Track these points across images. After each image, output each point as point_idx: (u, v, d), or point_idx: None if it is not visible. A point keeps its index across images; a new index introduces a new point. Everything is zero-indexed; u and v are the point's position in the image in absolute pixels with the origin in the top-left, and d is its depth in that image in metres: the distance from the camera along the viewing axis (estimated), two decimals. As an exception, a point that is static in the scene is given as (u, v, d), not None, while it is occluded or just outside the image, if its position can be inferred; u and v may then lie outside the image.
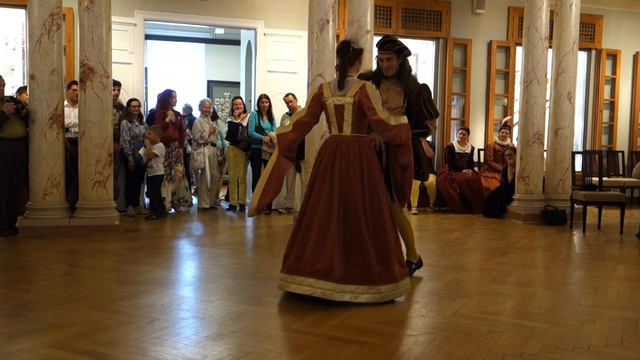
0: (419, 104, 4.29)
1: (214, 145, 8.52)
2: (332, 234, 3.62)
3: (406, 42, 10.86)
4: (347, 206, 3.69)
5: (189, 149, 8.59)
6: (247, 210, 8.41)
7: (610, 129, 10.58)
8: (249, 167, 8.42)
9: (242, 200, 8.57)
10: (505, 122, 9.60)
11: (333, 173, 3.74)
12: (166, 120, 7.73)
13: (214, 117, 8.68)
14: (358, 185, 3.71)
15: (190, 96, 12.80)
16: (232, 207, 8.58)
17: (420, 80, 4.68)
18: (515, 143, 9.04)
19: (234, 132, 8.28)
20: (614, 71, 10.48)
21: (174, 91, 8.17)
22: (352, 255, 3.64)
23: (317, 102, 3.93)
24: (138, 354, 2.81)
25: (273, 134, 8.04)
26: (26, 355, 2.77)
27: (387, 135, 3.84)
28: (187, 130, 8.63)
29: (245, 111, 8.56)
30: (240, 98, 8.84)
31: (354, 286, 3.60)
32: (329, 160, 3.77)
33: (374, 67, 4.70)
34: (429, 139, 7.61)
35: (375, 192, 3.75)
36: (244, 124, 8.22)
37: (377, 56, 4.37)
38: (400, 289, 3.76)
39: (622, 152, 10.34)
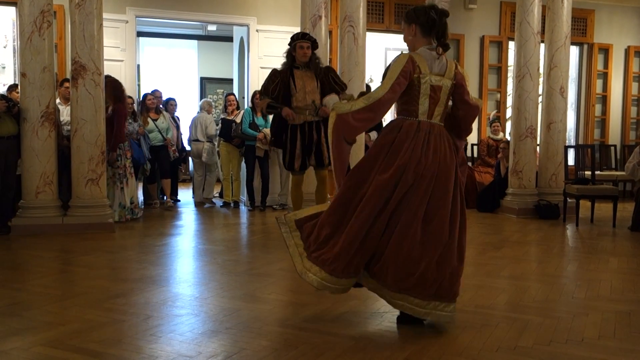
0: (329, 82, 5.49)
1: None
2: (450, 241, 3.09)
3: (399, 37, 10.82)
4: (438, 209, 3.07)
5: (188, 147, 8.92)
6: (241, 207, 8.41)
7: (603, 123, 10.62)
8: (243, 164, 8.39)
9: (236, 197, 8.56)
10: (495, 116, 9.63)
11: (431, 168, 3.05)
12: None
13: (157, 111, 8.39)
14: (451, 185, 3.11)
15: (183, 93, 12.79)
16: (226, 204, 8.57)
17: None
18: (508, 137, 9.07)
19: (227, 129, 8.27)
20: (606, 65, 10.52)
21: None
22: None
23: (406, 77, 3.06)
24: (132, 352, 2.80)
25: (267, 130, 8.02)
26: (20, 354, 2.76)
27: (471, 125, 3.36)
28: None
29: (238, 108, 8.57)
30: (233, 94, 8.83)
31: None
32: (421, 151, 3.05)
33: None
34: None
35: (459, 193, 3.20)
36: (238, 120, 8.21)
37: (297, 44, 5.42)
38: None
39: (615, 145, 10.38)
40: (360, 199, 3.06)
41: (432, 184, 3.06)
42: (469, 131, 3.40)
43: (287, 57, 5.52)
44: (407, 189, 3.03)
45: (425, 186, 3.04)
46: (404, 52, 3.25)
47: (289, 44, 5.54)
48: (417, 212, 3.04)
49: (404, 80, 3.05)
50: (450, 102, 3.29)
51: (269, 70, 8.80)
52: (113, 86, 6.78)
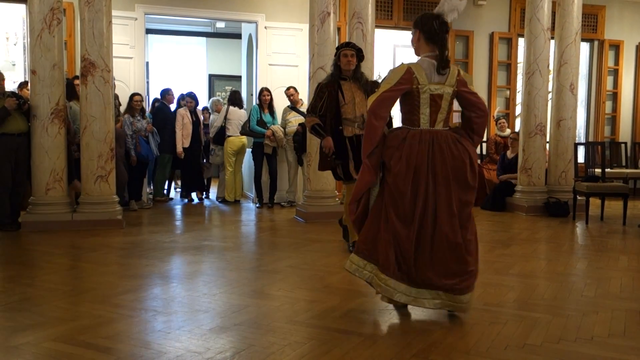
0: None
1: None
2: (442, 244, 3.22)
3: (408, 34, 10.77)
4: (453, 210, 3.23)
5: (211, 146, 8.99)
6: (250, 204, 8.43)
7: (613, 120, 10.54)
8: (251, 162, 8.40)
9: (221, 194, 8.75)
10: (500, 114, 9.60)
11: (436, 175, 3.21)
12: None
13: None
14: (460, 182, 3.26)
15: (192, 90, 12.83)
16: (225, 201, 8.64)
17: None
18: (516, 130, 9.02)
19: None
20: (616, 62, 10.42)
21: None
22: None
23: (405, 86, 3.23)
24: (141, 347, 2.82)
25: (275, 127, 8.03)
26: (30, 349, 2.78)
27: (483, 121, 3.39)
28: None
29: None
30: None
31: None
32: (426, 162, 3.21)
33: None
34: None
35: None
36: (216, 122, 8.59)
37: (341, 52, 5.08)
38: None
39: (625, 143, 10.30)
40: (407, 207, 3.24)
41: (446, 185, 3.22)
42: (480, 133, 3.43)
43: (333, 68, 5.17)
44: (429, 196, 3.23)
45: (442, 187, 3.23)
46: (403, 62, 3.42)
47: (335, 54, 5.22)
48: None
49: (401, 86, 3.23)
50: (453, 107, 3.41)
51: (278, 67, 9.01)
52: None
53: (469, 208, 3.29)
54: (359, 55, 5.15)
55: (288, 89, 8.23)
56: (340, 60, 5.08)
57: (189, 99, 8.66)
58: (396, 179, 3.22)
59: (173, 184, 9.54)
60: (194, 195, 9.01)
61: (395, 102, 3.31)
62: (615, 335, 3.08)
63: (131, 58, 8.21)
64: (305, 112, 5.24)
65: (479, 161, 9.15)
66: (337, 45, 5.39)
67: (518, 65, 9.65)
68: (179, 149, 8.38)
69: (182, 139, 8.43)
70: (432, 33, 3.30)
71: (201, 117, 8.96)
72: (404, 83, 3.22)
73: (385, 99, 3.24)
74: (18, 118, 6.04)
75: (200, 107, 9.34)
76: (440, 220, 3.19)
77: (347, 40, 5.79)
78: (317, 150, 5.40)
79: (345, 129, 5.08)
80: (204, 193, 9.14)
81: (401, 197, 3.21)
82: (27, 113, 6.10)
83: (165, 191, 8.99)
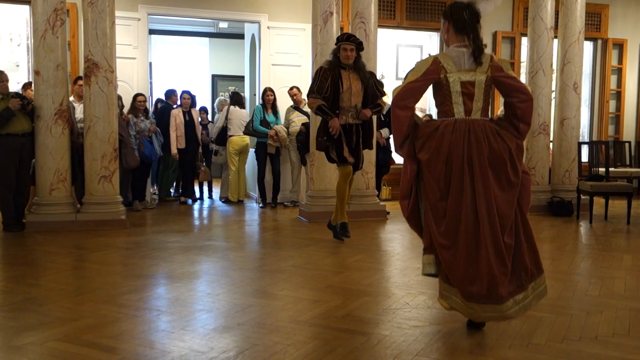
0: (371, 87, 5.47)
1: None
2: (486, 246, 2.93)
3: (410, 33, 10.71)
4: (492, 207, 2.95)
5: (213, 146, 8.84)
6: (253, 204, 8.42)
7: (617, 119, 10.51)
8: (254, 162, 8.41)
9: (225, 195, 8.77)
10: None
11: (473, 168, 2.97)
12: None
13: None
14: (501, 180, 3.02)
15: (195, 91, 12.85)
16: (228, 201, 8.64)
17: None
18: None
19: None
20: (620, 61, 10.40)
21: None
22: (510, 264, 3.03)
23: (433, 76, 3.06)
24: (145, 347, 2.82)
25: (278, 127, 8.03)
26: (34, 349, 2.78)
27: (528, 105, 3.15)
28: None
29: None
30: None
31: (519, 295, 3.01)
32: (461, 151, 2.99)
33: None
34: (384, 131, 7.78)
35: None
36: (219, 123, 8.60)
37: (341, 46, 5.33)
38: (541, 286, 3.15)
39: (629, 142, 10.27)
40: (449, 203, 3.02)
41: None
42: (526, 120, 3.16)
43: (333, 56, 5.38)
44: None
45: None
46: (430, 54, 3.32)
47: (335, 44, 5.45)
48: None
49: (428, 76, 3.06)
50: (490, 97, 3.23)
51: (281, 67, 9.02)
52: None
53: (511, 208, 3.02)
54: (359, 48, 5.37)
55: (291, 88, 8.24)
56: (340, 53, 5.30)
57: (186, 96, 8.46)
58: (426, 170, 3.03)
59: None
60: (197, 195, 9.01)
61: (421, 93, 3.13)
62: (620, 334, 3.07)
63: (134, 59, 8.23)
64: (308, 92, 5.44)
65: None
66: (338, 37, 5.53)
67: (521, 64, 9.64)
68: (173, 150, 8.23)
69: (177, 139, 8.28)
70: (461, 23, 3.11)
71: (199, 118, 8.78)
72: (431, 73, 3.05)
73: (410, 89, 3.06)
74: (22, 118, 6.06)
75: (199, 108, 9.31)
76: (481, 217, 2.92)
77: (348, 33, 5.76)
78: (315, 137, 5.61)
79: (340, 117, 5.29)
80: (190, 197, 8.75)
81: (431, 189, 3.02)
82: (31, 113, 6.12)
83: (171, 192, 9.00)
